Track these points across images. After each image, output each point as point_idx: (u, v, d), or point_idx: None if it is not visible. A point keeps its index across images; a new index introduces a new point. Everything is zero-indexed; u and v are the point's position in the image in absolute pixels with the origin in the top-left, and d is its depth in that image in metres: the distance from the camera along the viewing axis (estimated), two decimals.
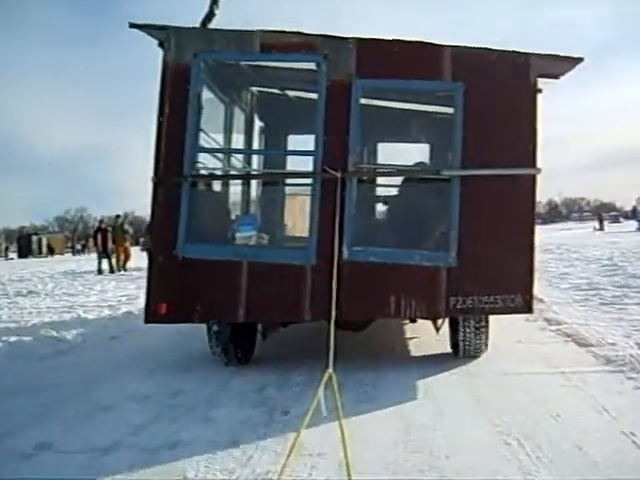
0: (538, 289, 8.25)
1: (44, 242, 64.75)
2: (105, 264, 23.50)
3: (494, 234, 6.05)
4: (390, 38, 6.18)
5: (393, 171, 7.47)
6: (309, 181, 6.60)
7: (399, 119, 8.75)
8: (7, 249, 62.10)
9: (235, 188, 8.48)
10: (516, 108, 6.12)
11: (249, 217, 7.91)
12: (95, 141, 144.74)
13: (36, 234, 69.66)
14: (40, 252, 62.71)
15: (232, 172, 8.34)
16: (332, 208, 5.96)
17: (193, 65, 6.23)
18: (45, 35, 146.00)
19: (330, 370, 4.40)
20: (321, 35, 6.21)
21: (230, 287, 6.14)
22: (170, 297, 6.20)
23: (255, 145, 9.28)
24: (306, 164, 6.36)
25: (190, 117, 6.22)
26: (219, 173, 7.59)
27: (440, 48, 6.12)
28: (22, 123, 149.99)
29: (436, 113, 8.01)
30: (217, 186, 7.59)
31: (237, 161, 8.54)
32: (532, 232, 6.08)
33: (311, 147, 6.18)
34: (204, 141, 6.69)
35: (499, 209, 6.08)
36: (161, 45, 6.28)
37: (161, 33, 6.25)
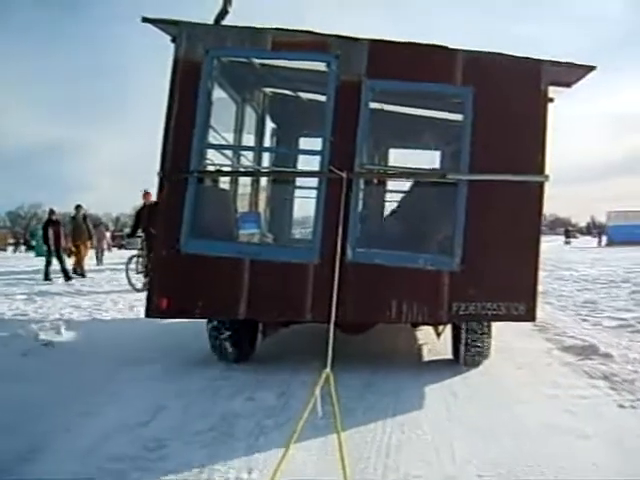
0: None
1: None
2: (56, 265, 18.57)
3: (500, 240, 6.00)
4: (403, 40, 6.16)
5: (400, 173, 7.43)
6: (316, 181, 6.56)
7: (411, 125, 8.75)
8: None
9: (241, 186, 8.49)
10: (526, 114, 6.07)
11: (252, 215, 7.91)
12: (52, 136, 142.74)
13: None
14: None
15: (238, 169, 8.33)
16: (337, 208, 5.93)
17: (204, 61, 6.23)
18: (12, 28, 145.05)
19: (328, 370, 4.36)
20: (333, 35, 6.20)
21: (232, 284, 6.12)
22: (172, 292, 6.19)
23: (267, 146, 9.29)
24: (316, 165, 6.34)
25: (199, 113, 6.21)
26: (225, 169, 7.57)
27: (452, 52, 6.09)
28: None
29: (448, 120, 7.98)
30: (223, 183, 7.59)
31: (247, 161, 8.55)
32: (538, 240, 6.02)
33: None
34: (213, 139, 6.70)
35: (506, 215, 6.02)
36: (173, 40, 6.28)
37: (173, 28, 6.26)
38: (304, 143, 9.45)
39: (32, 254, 39.69)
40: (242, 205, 8.38)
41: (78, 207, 20.59)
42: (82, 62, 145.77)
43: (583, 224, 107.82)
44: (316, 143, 6.61)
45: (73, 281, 17.88)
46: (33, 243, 41.60)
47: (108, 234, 42.80)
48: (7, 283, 17.61)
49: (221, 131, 7.07)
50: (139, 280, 15.16)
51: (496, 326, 6.75)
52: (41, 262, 24.75)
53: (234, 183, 8.08)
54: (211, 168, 6.72)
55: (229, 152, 7.78)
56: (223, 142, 7.29)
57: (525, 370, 6.66)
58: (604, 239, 52.14)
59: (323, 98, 6.39)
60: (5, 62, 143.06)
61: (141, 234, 15.41)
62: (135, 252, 16.04)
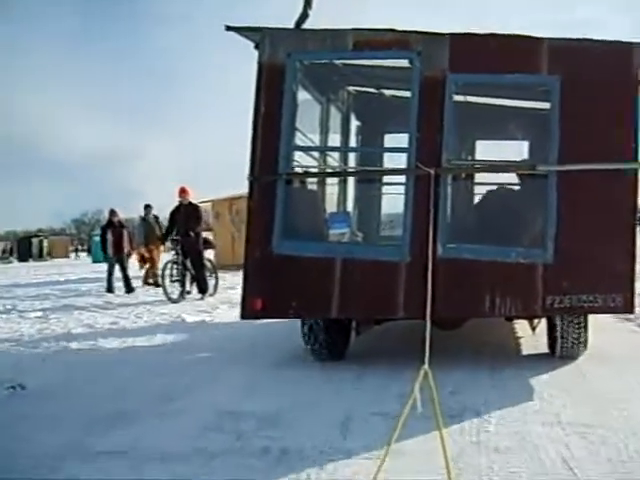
0: None
1: (45, 244, 60.47)
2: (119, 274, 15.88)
3: (593, 231, 5.88)
4: (485, 32, 6.10)
5: (488, 167, 7.35)
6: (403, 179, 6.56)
7: (497, 116, 8.63)
8: (10, 251, 58.59)
9: (330, 186, 8.56)
10: (617, 100, 5.92)
11: (342, 214, 7.97)
12: (115, 144, 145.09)
13: (37, 236, 64.30)
14: (41, 255, 57.55)
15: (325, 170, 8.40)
16: (426, 205, 5.92)
17: (287, 65, 6.32)
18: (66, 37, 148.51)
19: (426, 366, 4.36)
20: (414, 31, 6.19)
21: (324, 283, 6.18)
22: (265, 293, 6.30)
23: (352, 145, 9.34)
24: (402, 162, 6.35)
25: (285, 116, 6.30)
26: (313, 171, 7.66)
27: (537, 41, 6.00)
28: (43, 125, 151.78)
29: (535, 109, 7.84)
30: (312, 184, 7.68)
31: (333, 161, 8.61)
32: (634, 229, 5.88)
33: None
34: (300, 141, 6.79)
35: (598, 205, 5.89)
36: (256, 47, 6.40)
37: (256, 34, 6.37)
38: (389, 140, 9.45)
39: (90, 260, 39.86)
40: (331, 205, 8.45)
41: (148, 207, 17.71)
42: (139, 67, 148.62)
43: None
44: (402, 140, 6.61)
45: (136, 292, 15.60)
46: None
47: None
48: (36, 296, 16.09)
49: (307, 132, 7.15)
50: (176, 288, 13.52)
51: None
52: (97, 268, 25.42)
53: (322, 183, 8.15)
54: (299, 170, 6.82)
55: (316, 153, 7.86)
56: (309, 143, 7.38)
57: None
58: None
59: (407, 94, 6.40)
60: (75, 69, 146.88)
61: (176, 237, 13.68)
62: (170, 257, 14.07)
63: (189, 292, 13.86)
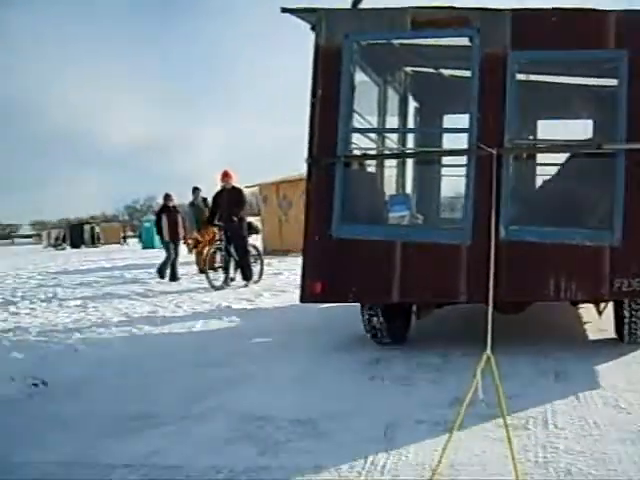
0: None
1: (97, 231, 59.52)
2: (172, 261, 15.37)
3: None
4: (547, 7, 5.91)
5: (551, 146, 7.15)
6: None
7: (561, 94, 8.39)
8: (63, 238, 58.32)
9: (388, 169, 8.45)
10: None
11: (402, 197, 7.87)
12: (164, 130, 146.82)
13: (88, 223, 63.08)
14: (93, 242, 56.94)
15: (384, 152, 8.30)
16: (488, 186, 5.79)
17: (344, 46, 6.22)
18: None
19: (488, 352, 4.25)
20: (474, 8, 6.03)
21: (384, 267, 6.11)
22: (325, 277, 6.25)
23: (410, 126, 9.20)
24: (461, 143, 6.21)
25: (343, 98, 6.22)
26: (371, 153, 7.56)
27: (603, 14, 5.78)
28: (96, 113, 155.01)
29: (601, 86, 7.60)
30: (370, 166, 7.59)
31: (392, 143, 8.50)
32: None
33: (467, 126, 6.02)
34: (358, 123, 6.70)
35: None
36: (312, 28, 6.31)
37: (312, 16, 6.29)
38: (448, 121, 9.29)
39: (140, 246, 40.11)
40: (389, 187, 8.36)
41: (196, 190, 16.93)
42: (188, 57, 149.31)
43: None
44: (461, 121, 6.47)
45: (180, 280, 15.07)
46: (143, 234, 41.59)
47: None
48: (79, 284, 15.74)
49: (365, 114, 7.05)
50: (220, 275, 13.25)
51: None
52: (145, 255, 26.24)
53: (380, 165, 8.05)
54: (357, 152, 6.73)
55: (374, 135, 7.76)
56: (367, 125, 7.28)
57: None
58: None
59: (467, 73, 6.24)
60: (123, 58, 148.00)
61: (219, 223, 13.21)
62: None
63: (233, 279, 13.37)
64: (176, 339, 8.05)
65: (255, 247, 14.22)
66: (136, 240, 52.29)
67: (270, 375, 6.04)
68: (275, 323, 8.76)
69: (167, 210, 15.48)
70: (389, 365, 6.11)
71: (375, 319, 6.67)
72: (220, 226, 13.18)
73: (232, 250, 13.12)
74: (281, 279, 14.27)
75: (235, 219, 12.81)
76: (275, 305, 10.34)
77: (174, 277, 15.15)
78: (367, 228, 6.27)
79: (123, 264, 23.18)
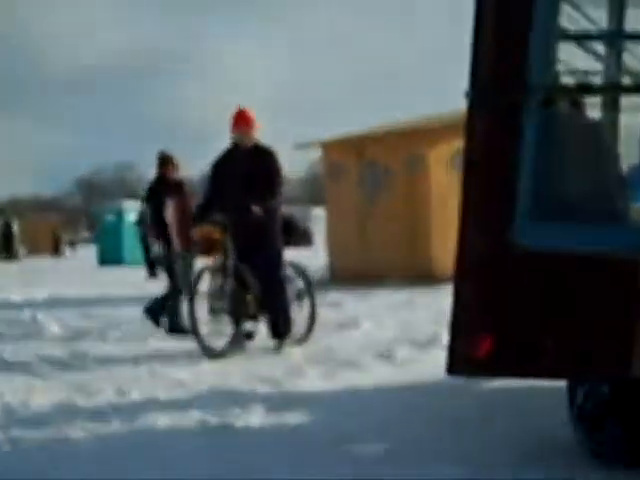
0: None
1: (13, 229, 36.39)
2: None
3: None
4: None
5: None
6: None
7: None
8: None
9: (630, 115, 4.99)
10: None
11: None
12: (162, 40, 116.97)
13: None
14: (6, 250, 35.80)
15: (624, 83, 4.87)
16: None
17: None
18: None
19: None
20: None
21: (622, 309, 3.17)
22: (498, 325, 3.35)
23: None
24: None
25: None
26: (598, 84, 4.26)
27: None
28: None
29: None
30: (594, 111, 4.27)
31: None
32: None
33: None
34: (569, 22, 3.65)
35: None
36: None
37: None
38: None
39: None
40: (632, 154, 4.86)
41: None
42: None
43: None
44: None
45: None
46: None
47: None
48: None
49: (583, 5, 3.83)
50: (221, 326, 6.92)
51: None
52: (105, 277, 17.70)
53: (613, 110, 4.67)
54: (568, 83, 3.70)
55: (601, 48, 4.43)
56: (589, 29, 4.04)
57: None
58: None
59: None
60: None
61: (220, 218, 7.02)
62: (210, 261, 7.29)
63: (251, 335, 7.14)
64: None
65: (298, 268, 7.50)
66: (91, 248, 35.41)
67: None
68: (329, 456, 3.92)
69: (170, 188, 8.24)
70: None
71: (601, 413, 3.48)
72: (224, 225, 6.90)
73: (249, 275, 6.91)
74: (354, 338, 7.47)
75: (258, 211, 6.71)
76: (330, 397, 5.23)
77: (177, 327, 7.95)
78: (585, 231, 3.27)
79: (50, 295, 13.45)
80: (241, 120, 6.99)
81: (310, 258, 12.14)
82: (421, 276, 11.81)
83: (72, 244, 43.48)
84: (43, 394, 5.35)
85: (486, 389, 5.12)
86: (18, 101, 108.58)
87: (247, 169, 6.89)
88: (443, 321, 7.45)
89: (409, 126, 13.74)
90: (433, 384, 5.15)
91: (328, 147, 14.57)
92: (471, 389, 5.08)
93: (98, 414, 4.77)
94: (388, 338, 7.06)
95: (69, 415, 4.75)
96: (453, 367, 3.40)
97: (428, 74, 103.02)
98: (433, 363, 5.44)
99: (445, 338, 6.19)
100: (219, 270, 6.87)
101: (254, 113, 7.12)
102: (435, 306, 8.75)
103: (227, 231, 6.82)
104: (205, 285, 6.97)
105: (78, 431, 4.38)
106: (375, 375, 5.66)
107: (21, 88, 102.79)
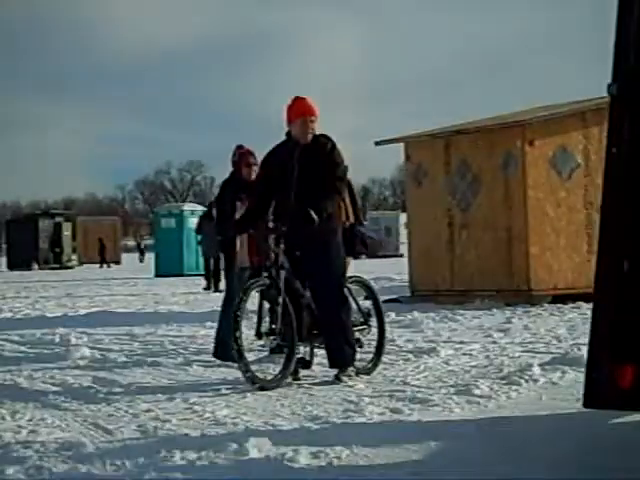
0: None
1: (65, 233, 38.19)
2: None
3: None
4: None
5: None
6: None
7: None
8: None
9: None
10: None
11: None
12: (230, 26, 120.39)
13: (48, 215, 40.27)
14: (57, 256, 37.66)
15: None
16: None
17: None
18: None
19: None
20: None
21: None
22: None
23: None
24: None
25: None
26: None
27: None
28: None
29: None
30: None
31: None
32: None
33: None
34: None
35: None
36: None
37: None
38: None
39: None
40: None
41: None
42: None
43: None
44: None
45: None
46: None
47: None
48: None
49: None
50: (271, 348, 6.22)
51: None
52: (155, 289, 18.09)
53: None
54: None
55: None
56: None
57: None
58: None
59: None
60: None
61: (271, 227, 6.22)
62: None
63: (306, 363, 6.02)
64: None
65: (365, 284, 6.66)
66: (150, 255, 32.39)
67: None
68: None
69: (243, 191, 6.98)
70: None
71: None
72: (278, 235, 5.93)
73: (304, 292, 5.99)
74: (429, 366, 6.40)
75: (315, 218, 5.66)
76: (390, 443, 4.02)
77: (225, 352, 6.46)
78: None
79: (93, 311, 12.69)
80: (300, 110, 5.95)
81: (394, 270, 11.22)
82: (515, 292, 10.76)
83: (140, 249, 41.30)
84: (50, 431, 4.47)
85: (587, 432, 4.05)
86: (94, 86, 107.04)
87: (306, 165, 5.87)
88: (539, 348, 6.83)
89: (503, 121, 12.21)
90: (522, 430, 4.22)
91: (411, 145, 12.74)
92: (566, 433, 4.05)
93: (110, 457, 3.80)
94: (470, 369, 6.14)
95: (75, 459, 3.77)
96: (591, 398, 2.96)
97: (519, 66, 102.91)
98: (518, 401, 4.84)
99: (537, 370, 5.58)
100: (269, 287, 5.84)
101: (312, 102, 6.05)
102: (531, 330, 8.16)
103: (280, 241, 5.84)
104: (253, 304, 6.03)
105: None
106: (447, 414, 4.67)
107: (98, 73, 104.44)
